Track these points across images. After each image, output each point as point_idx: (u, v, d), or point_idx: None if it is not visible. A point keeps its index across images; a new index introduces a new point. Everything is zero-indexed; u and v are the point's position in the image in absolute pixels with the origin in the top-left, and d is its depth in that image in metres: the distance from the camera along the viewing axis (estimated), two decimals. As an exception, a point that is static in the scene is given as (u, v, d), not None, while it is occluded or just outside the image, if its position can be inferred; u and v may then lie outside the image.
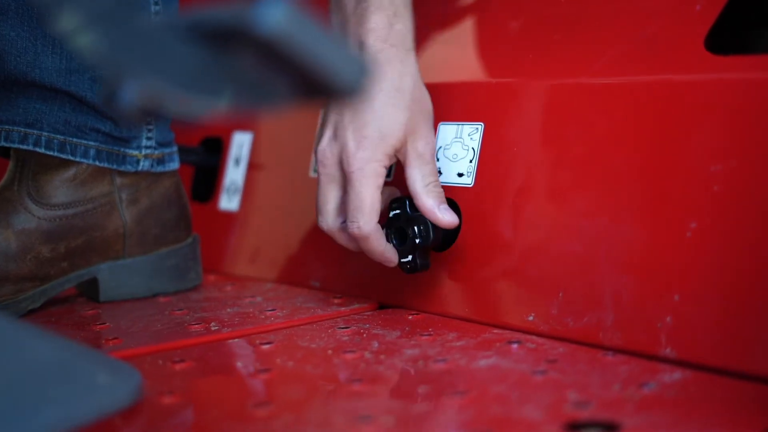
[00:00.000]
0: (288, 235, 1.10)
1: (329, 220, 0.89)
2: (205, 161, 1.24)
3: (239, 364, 0.76)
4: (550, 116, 0.87)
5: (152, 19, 0.47)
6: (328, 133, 0.87)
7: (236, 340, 0.84)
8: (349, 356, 0.77)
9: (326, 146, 0.87)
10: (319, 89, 0.46)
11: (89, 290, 1.02)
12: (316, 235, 1.06)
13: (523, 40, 0.96)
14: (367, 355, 0.77)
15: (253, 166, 1.18)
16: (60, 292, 0.99)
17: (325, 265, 1.05)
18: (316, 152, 0.88)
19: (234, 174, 1.20)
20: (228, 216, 1.19)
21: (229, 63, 0.46)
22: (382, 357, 0.77)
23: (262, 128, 1.19)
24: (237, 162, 1.20)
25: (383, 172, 0.86)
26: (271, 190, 1.15)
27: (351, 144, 0.84)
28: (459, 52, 1.00)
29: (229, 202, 1.20)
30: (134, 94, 0.47)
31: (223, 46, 0.46)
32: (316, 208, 0.90)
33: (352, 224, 0.85)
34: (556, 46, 0.92)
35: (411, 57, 0.87)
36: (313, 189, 1.07)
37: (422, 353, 0.77)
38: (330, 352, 0.79)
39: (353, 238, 0.88)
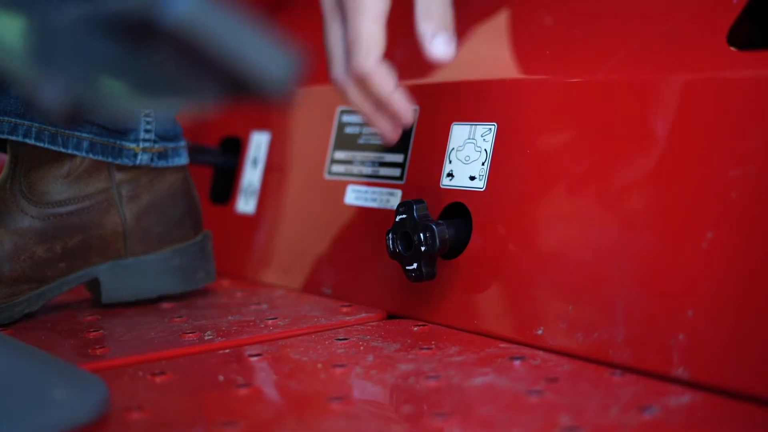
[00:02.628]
0: (302, 240, 1.06)
1: (338, 67, 0.79)
2: (224, 162, 1.20)
3: (221, 378, 0.72)
4: (565, 116, 0.81)
5: (65, 13, 0.43)
6: None
7: (227, 350, 0.80)
8: (338, 371, 0.73)
9: None
10: (243, 85, 0.41)
11: (94, 292, 0.98)
12: (330, 241, 1.02)
13: (537, 36, 0.90)
14: (358, 369, 0.73)
15: (269, 168, 1.14)
16: (60, 294, 0.95)
17: (338, 271, 1.01)
18: None
19: (251, 175, 1.16)
20: (244, 219, 1.16)
21: (148, 58, 0.42)
22: (372, 372, 0.72)
23: (279, 127, 1.15)
24: (255, 163, 1.16)
25: (383, 2, 0.77)
26: (286, 192, 1.11)
27: None
28: (471, 50, 0.95)
29: (246, 204, 1.16)
30: (55, 92, 0.44)
31: (140, 39, 0.42)
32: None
33: (350, 64, 0.77)
34: (572, 42, 0.86)
35: None
36: (327, 192, 1.04)
37: (416, 369, 0.72)
38: (320, 365, 0.74)
39: (360, 82, 0.78)
